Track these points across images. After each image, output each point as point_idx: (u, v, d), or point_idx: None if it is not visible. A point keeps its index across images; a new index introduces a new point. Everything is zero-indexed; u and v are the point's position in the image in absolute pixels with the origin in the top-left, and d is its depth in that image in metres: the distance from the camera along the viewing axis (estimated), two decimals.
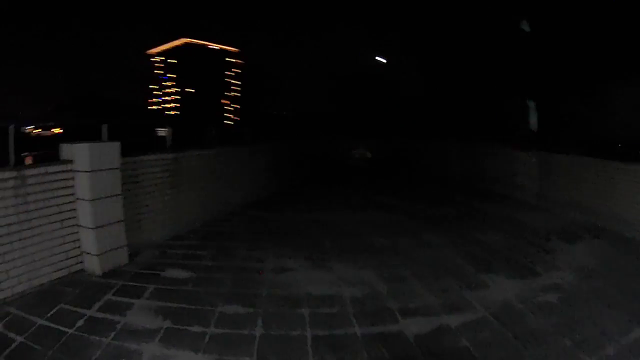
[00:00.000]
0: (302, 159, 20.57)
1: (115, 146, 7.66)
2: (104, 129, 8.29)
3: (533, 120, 11.66)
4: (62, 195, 7.05)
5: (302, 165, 20.35)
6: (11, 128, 6.68)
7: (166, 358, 4.72)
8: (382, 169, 24.87)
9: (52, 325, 5.50)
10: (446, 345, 4.86)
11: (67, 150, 7.32)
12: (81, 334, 5.28)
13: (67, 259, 7.09)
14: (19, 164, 6.95)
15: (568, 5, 16.90)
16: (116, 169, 7.63)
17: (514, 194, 12.35)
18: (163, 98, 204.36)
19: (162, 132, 12.32)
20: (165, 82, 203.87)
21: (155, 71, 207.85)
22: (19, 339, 5.14)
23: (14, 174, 6.33)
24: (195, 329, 5.37)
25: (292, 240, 9.22)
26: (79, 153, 7.18)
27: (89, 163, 7.13)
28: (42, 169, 6.78)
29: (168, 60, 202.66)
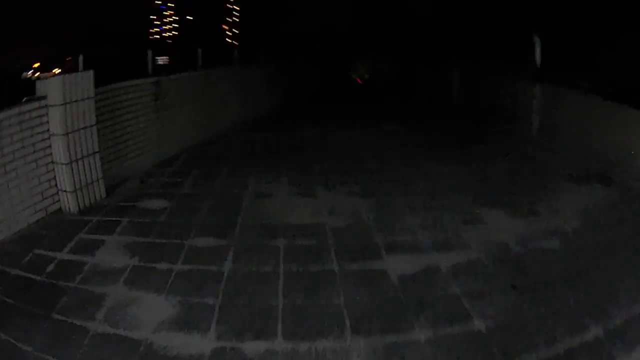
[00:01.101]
0: (310, 78, 20.15)
1: (88, 75, 7.15)
2: (80, 59, 8.00)
3: (539, 55, 10.87)
4: (37, 133, 6.61)
5: (309, 85, 19.96)
6: None
7: (129, 301, 4.37)
8: (389, 89, 24.29)
9: (24, 274, 5.15)
10: (434, 291, 4.30)
11: (42, 86, 6.87)
12: (50, 280, 4.93)
13: (43, 199, 6.71)
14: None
15: None
16: (90, 98, 7.16)
17: (520, 127, 11.74)
18: (163, 27, 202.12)
19: (161, 60, 12.04)
20: (164, 12, 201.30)
21: (156, 2, 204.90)
22: None
23: None
24: (162, 266, 5.02)
25: (279, 163, 8.89)
26: (51, 87, 6.72)
27: (60, 96, 6.68)
28: (15, 110, 6.31)
29: None
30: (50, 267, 5.21)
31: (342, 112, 15.55)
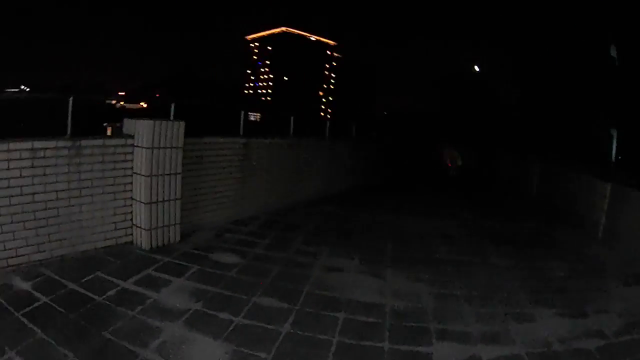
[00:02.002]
0: (389, 158, 20.47)
1: (180, 125, 7.82)
2: (172, 107, 8.45)
3: (614, 149, 10.99)
4: (120, 169, 7.34)
5: (389, 165, 20.25)
6: (70, 100, 6.96)
7: (185, 340, 4.81)
8: (465, 177, 24.46)
9: (82, 290, 5.76)
10: None
11: (129, 125, 7.60)
12: (108, 303, 5.50)
13: (115, 229, 7.39)
14: (91, 133, 7.26)
15: None
16: (178, 147, 7.81)
17: (589, 225, 11.77)
18: (258, 84, 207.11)
19: (252, 116, 12.56)
20: (261, 68, 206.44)
21: (253, 57, 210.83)
22: (44, 299, 5.41)
23: (68, 143, 6.62)
24: (224, 316, 5.43)
25: (353, 240, 9.20)
26: (139, 129, 7.41)
27: (148, 140, 7.34)
28: (99, 141, 7.06)
29: (266, 47, 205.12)
30: (111, 292, 5.81)
31: (420, 196, 15.75)
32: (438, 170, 25.23)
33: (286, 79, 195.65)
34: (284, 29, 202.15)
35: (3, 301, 5.26)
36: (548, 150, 18.87)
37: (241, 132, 10.15)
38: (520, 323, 5.76)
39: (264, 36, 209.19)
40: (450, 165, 15.42)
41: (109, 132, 9.26)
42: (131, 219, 7.58)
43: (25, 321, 4.86)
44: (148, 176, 7.36)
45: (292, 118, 12.58)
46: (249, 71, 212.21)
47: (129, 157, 7.41)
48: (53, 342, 4.49)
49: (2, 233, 6.03)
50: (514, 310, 6.17)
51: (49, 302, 5.35)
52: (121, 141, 7.32)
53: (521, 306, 6.32)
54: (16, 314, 4.99)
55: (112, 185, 7.22)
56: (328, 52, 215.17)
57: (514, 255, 8.69)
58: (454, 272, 7.56)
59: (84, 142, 6.78)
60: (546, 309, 6.24)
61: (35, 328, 4.72)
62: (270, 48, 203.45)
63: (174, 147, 7.73)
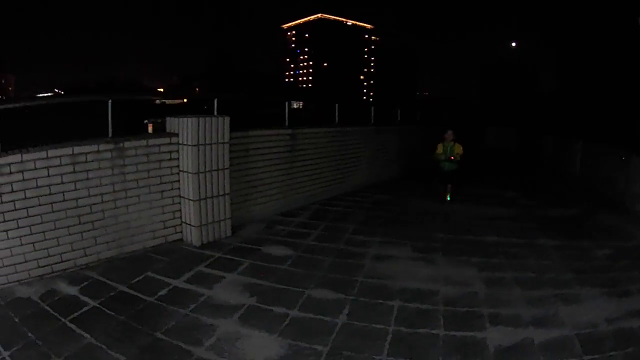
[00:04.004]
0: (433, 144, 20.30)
1: (225, 120, 7.85)
2: (215, 102, 8.44)
3: None
4: (166, 167, 7.42)
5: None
6: (109, 101, 7.02)
7: (240, 336, 4.83)
8: (512, 158, 24.16)
9: (132, 292, 5.84)
10: None
11: (173, 123, 7.66)
12: (160, 302, 5.56)
13: (164, 228, 7.48)
14: (135, 133, 7.37)
15: None
16: (224, 143, 7.85)
17: (633, 206, 11.46)
18: (298, 72, 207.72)
19: (295, 104, 12.50)
20: (300, 55, 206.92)
21: (291, 45, 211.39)
22: (92, 303, 5.50)
23: (110, 146, 6.70)
24: (279, 309, 5.45)
25: (403, 228, 9.10)
26: (183, 126, 7.46)
27: (193, 137, 7.38)
28: (142, 141, 7.12)
29: (304, 35, 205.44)
30: (162, 291, 5.88)
31: (465, 181, 15.56)
32: (481, 156, 24.98)
33: (326, 65, 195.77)
34: (319, 15, 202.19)
35: (48, 308, 5.33)
36: (589, 133, 18.41)
37: (286, 123, 10.17)
38: (568, 304, 5.69)
39: (300, 24, 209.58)
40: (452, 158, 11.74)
41: (150, 129, 9.33)
42: (180, 217, 7.66)
43: (73, 327, 4.92)
44: (195, 173, 7.41)
45: (336, 105, 12.54)
46: (288, 59, 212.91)
47: (174, 155, 7.47)
48: (103, 346, 4.54)
49: (44, 240, 6.11)
50: (562, 291, 6.11)
51: (97, 305, 5.43)
52: (165, 140, 7.38)
53: (568, 287, 6.26)
54: (63, 319, 5.06)
55: (158, 184, 7.30)
56: (366, 36, 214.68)
57: (560, 237, 8.54)
58: (502, 256, 7.48)
59: (127, 144, 6.86)
60: (592, 289, 6.16)
61: (83, 333, 4.78)
62: (307, 35, 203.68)
63: (220, 143, 7.76)
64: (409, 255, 7.52)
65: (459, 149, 11.41)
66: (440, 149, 11.58)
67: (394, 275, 6.61)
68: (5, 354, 4.38)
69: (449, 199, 11.50)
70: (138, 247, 7.15)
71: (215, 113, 8.24)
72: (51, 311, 5.24)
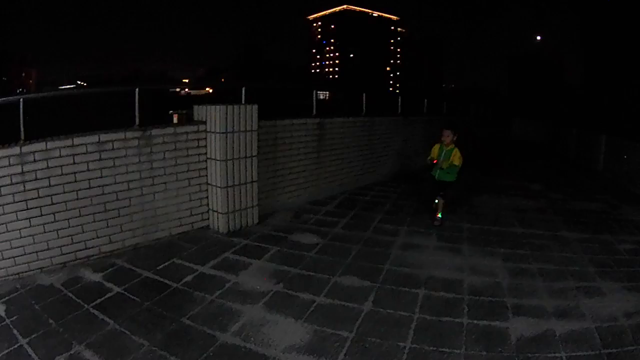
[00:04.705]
0: (467, 134, 20.21)
1: (253, 109, 7.85)
2: (243, 91, 8.46)
3: None
4: (193, 155, 7.44)
5: (464, 141, 19.98)
6: (136, 90, 7.05)
7: (266, 322, 4.83)
8: (534, 152, 24.03)
9: (158, 278, 5.88)
10: (543, 354, 4.51)
11: (200, 111, 7.69)
12: (186, 289, 5.59)
13: (191, 215, 7.52)
14: (157, 122, 7.38)
15: None
16: (253, 131, 7.86)
17: None
18: (324, 62, 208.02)
19: (322, 95, 12.42)
20: (326, 46, 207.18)
21: (317, 36, 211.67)
22: (117, 289, 5.54)
23: (137, 134, 6.73)
24: (305, 296, 5.45)
25: (430, 217, 9.01)
26: (211, 115, 7.47)
27: (222, 125, 7.39)
28: (170, 129, 7.16)
29: (329, 26, 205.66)
30: (188, 278, 5.91)
31: (492, 173, 15.43)
32: (508, 148, 24.88)
33: (352, 56, 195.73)
34: (345, 6, 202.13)
35: (71, 295, 5.37)
36: (613, 128, 18.20)
37: (314, 112, 10.12)
38: (590, 297, 5.65)
39: (325, 15, 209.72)
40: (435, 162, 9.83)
41: (175, 120, 9.37)
42: (207, 204, 7.70)
43: (96, 313, 4.95)
44: (223, 160, 7.42)
45: (364, 95, 12.47)
46: (314, 51, 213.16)
47: (202, 143, 7.49)
48: (127, 332, 4.56)
49: (69, 227, 6.16)
50: (584, 284, 6.07)
51: (122, 292, 5.47)
52: (193, 128, 7.40)
53: (590, 280, 6.21)
54: (86, 306, 5.09)
55: (185, 171, 7.33)
56: (392, 28, 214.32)
57: (583, 229, 8.49)
58: (527, 247, 7.43)
59: (154, 131, 6.89)
60: (614, 283, 6.11)
61: (107, 319, 4.81)
62: (333, 26, 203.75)
63: (249, 131, 7.77)
64: (435, 244, 7.49)
65: (456, 157, 8.53)
66: (435, 152, 8.84)
67: (420, 264, 6.59)
68: (24, 341, 4.39)
69: (440, 216, 8.60)
70: (164, 234, 7.20)
71: (243, 101, 8.23)
72: (74, 298, 5.29)
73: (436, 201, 8.74)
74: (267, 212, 8.57)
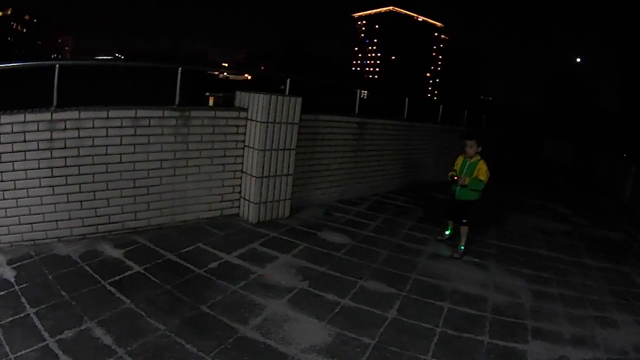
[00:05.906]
0: (494, 150, 20.07)
1: (297, 101, 7.74)
2: (287, 82, 8.38)
3: None
4: (231, 141, 7.37)
5: (494, 157, 19.86)
6: (179, 69, 6.97)
7: (286, 319, 4.74)
8: (564, 174, 23.88)
9: (181, 261, 5.80)
10: None
11: (242, 97, 7.60)
12: (209, 276, 5.51)
13: (222, 201, 7.47)
14: (194, 103, 7.33)
15: None
16: (294, 123, 7.76)
17: None
18: (365, 62, 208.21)
19: (363, 94, 12.32)
20: (368, 46, 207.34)
21: (361, 35, 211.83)
22: (137, 268, 5.45)
23: (176, 113, 6.66)
24: (330, 297, 5.34)
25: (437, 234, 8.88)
26: (254, 102, 7.38)
27: (264, 114, 7.29)
28: (210, 112, 7.11)
29: (374, 26, 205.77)
30: (212, 265, 5.82)
31: (521, 191, 15.30)
32: (539, 168, 24.73)
33: (393, 58, 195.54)
34: (391, 8, 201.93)
35: (88, 268, 5.28)
36: None
37: (356, 111, 10.00)
38: (604, 328, 5.61)
39: (371, 14, 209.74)
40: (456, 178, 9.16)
41: (211, 102, 9.36)
42: (239, 192, 7.64)
43: (113, 290, 4.86)
44: (261, 150, 7.34)
45: (407, 99, 12.28)
46: (356, 48, 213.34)
47: (241, 130, 7.42)
48: (143, 314, 4.47)
49: (94, 200, 6.11)
50: (600, 314, 6.01)
51: (142, 271, 5.38)
52: (234, 113, 7.33)
53: (607, 311, 6.14)
54: (102, 282, 5.00)
55: (221, 157, 7.27)
56: (435, 34, 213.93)
57: (605, 259, 8.39)
58: (551, 271, 7.33)
59: (193, 113, 6.82)
60: (631, 316, 6.06)
61: (123, 298, 4.72)
62: (377, 27, 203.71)
63: (290, 123, 7.68)
64: (463, 258, 7.39)
65: (482, 171, 7.41)
66: (458, 164, 7.95)
67: (446, 276, 6.49)
68: (31, 310, 4.29)
69: (462, 248, 7.48)
70: (192, 217, 7.15)
71: (287, 93, 8.12)
72: (90, 272, 5.21)
73: (449, 224, 8.12)
74: (298, 206, 8.49)
